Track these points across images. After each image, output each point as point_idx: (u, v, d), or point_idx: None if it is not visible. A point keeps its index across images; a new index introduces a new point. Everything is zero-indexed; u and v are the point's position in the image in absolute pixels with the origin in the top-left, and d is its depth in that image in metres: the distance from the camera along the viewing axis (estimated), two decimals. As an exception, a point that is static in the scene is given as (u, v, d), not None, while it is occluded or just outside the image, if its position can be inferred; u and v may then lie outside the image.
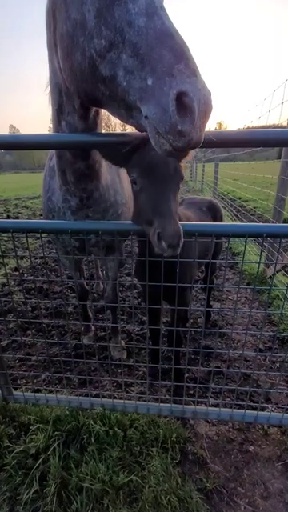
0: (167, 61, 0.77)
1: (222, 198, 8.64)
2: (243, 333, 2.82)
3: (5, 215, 9.50)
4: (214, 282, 2.90)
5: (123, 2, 0.86)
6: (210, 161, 13.79)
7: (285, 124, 3.35)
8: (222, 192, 9.27)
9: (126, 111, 1.00)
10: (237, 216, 6.43)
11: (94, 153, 1.50)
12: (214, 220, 2.48)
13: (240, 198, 8.29)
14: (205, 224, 1.39)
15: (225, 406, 1.97)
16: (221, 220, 2.62)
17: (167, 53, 0.78)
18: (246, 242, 1.37)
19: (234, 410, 1.80)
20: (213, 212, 2.53)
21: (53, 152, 1.93)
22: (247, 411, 1.78)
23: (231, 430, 1.88)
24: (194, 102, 0.75)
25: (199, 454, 1.70)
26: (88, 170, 1.54)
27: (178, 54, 0.78)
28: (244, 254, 1.45)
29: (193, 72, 0.76)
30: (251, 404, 1.93)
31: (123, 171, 2.13)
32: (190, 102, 0.75)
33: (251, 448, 1.75)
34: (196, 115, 0.76)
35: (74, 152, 1.44)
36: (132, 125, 1.06)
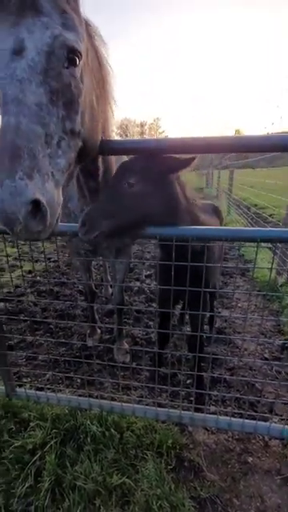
0: None
1: (238, 206, 8.51)
2: (250, 340, 2.76)
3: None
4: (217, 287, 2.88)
5: None
6: (226, 168, 13.64)
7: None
8: (237, 199, 9.14)
9: None
10: (251, 224, 6.32)
11: (102, 173, 1.59)
12: (220, 221, 2.49)
13: (256, 205, 8.13)
14: (217, 228, 1.36)
15: (226, 414, 1.93)
16: (222, 222, 2.63)
17: None
18: (257, 246, 1.35)
19: (233, 419, 1.76)
20: (217, 214, 2.56)
21: None
22: (246, 420, 1.73)
23: (230, 439, 1.83)
24: None
25: (195, 461, 1.67)
26: (99, 185, 1.64)
27: None
28: (256, 258, 1.39)
29: None
30: (252, 413, 1.87)
31: None
32: None
33: (250, 459, 1.70)
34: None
35: (84, 174, 1.54)
36: None
